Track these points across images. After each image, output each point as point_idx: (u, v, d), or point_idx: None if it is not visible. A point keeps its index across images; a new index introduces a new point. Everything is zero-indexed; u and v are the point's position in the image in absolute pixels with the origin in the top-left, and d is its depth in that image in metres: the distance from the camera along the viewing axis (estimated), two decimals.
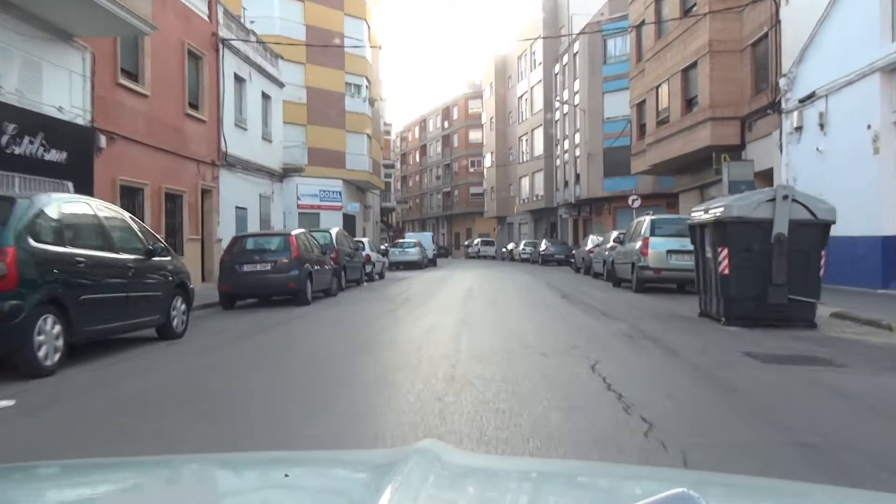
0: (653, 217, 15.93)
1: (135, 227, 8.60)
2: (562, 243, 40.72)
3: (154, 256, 8.51)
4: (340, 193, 37.76)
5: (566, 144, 44.83)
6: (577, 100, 41.86)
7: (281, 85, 27.41)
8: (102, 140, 14.00)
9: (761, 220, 8.72)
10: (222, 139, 20.96)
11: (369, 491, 1.07)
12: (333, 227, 22.27)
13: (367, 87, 40.17)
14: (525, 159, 56.19)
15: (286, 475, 1.32)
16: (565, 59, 44.79)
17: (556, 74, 47.60)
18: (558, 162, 47.12)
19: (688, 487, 0.89)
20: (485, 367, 6.50)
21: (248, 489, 1.39)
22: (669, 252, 14.86)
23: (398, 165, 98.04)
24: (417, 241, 36.42)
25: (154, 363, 7.50)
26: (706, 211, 9.75)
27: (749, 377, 6.06)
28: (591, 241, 26.24)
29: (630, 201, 29.49)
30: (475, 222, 74.29)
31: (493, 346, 7.89)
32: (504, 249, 54.08)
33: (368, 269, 23.52)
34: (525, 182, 56.26)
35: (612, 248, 19.92)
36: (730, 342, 8.00)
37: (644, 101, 27.62)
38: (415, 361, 6.95)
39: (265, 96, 25.38)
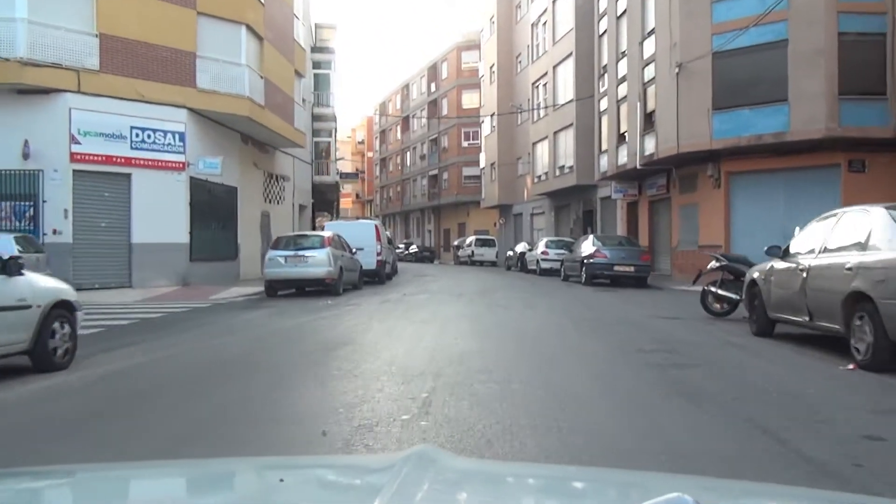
0: None
1: None
2: (627, 242, 21.24)
3: None
4: (183, 136, 18.53)
5: (622, 67, 25.49)
6: None
7: None
8: None
9: None
10: None
11: (365, 496, 1.06)
12: None
13: None
14: (542, 114, 36.88)
15: (281, 480, 1.30)
16: None
17: None
18: (604, 104, 27.78)
19: (685, 492, 0.90)
20: None
21: (243, 494, 1.39)
22: None
23: (377, 146, 78.83)
24: (330, 237, 16.95)
25: None
26: None
27: None
28: None
29: None
30: (469, 215, 55.07)
31: None
32: (510, 252, 34.70)
33: None
34: (542, 149, 36.93)
35: None
36: None
37: None
38: None
39: None
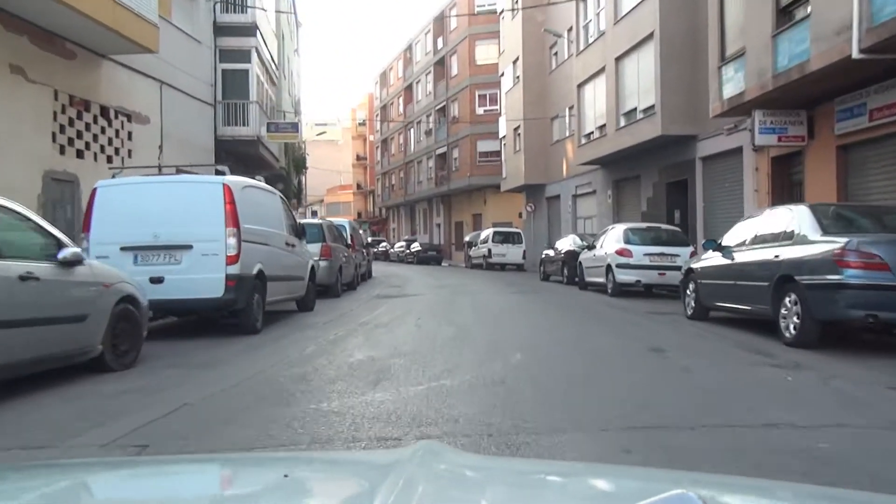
0: None
1: None
2: None
3: None
4: None
5: None
6: None
7: None
8: None
9: None
10: None
11: (368, 491, 1.06)
12: None
13: None
14: (594, 36, 23.83)
15: (285, 475, 1.30)
16: None
17: None
18: None
19: (686, 488, 0.88)
20: None
21: (247, 489, 1.37)
22: None
23: (377, 125, 66.01)
24: None
25: None
26: None
27: None
28: None
29: None
30: (486, 203, 42.32)
31: None
32: (548, 252, 21.58)
33: None
34: (594, 92, 23.80)
35: None
36: None
37: None
38: None
39: None
